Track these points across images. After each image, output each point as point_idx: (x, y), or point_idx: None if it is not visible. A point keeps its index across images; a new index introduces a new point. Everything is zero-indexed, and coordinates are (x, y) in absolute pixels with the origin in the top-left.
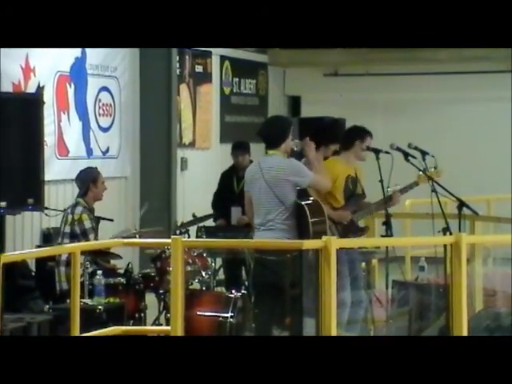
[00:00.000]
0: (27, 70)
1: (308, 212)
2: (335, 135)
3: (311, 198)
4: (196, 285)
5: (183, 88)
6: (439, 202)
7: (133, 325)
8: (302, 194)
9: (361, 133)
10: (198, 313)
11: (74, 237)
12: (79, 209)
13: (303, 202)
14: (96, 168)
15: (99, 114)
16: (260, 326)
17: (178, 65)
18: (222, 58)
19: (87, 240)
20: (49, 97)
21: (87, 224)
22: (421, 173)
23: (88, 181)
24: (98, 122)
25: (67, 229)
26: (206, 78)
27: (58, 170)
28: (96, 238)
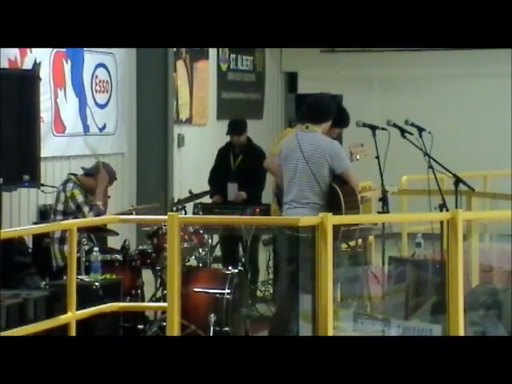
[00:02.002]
0: None
1: (341, 196)
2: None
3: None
4: (193, 261)
5: (180, 64)
6: (436, 178)
7: (130, 301)
8: (338, 177)
9: (336, 121)
10: (195, 289)
11: (68, 214)
12: (70, 185)
13: (337, 186)
14: (116, 178)
15: (96, 91)
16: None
17: None
18: None
19: (82, 214)
20: (45, 73)
21: (80, 198)
22: None
23: (99, 173)
24: (94, 99)
25: (60, 206)
26: (202, 54)
27: (55, 146)
28: (91, 211)
